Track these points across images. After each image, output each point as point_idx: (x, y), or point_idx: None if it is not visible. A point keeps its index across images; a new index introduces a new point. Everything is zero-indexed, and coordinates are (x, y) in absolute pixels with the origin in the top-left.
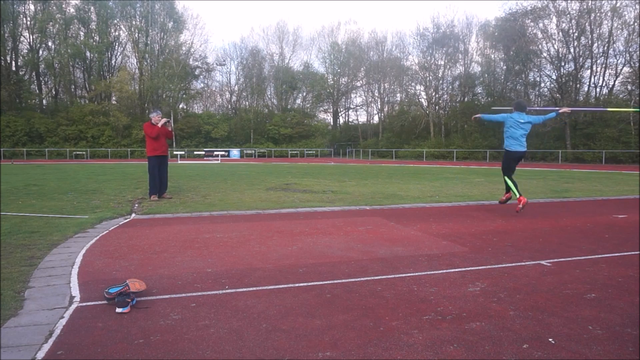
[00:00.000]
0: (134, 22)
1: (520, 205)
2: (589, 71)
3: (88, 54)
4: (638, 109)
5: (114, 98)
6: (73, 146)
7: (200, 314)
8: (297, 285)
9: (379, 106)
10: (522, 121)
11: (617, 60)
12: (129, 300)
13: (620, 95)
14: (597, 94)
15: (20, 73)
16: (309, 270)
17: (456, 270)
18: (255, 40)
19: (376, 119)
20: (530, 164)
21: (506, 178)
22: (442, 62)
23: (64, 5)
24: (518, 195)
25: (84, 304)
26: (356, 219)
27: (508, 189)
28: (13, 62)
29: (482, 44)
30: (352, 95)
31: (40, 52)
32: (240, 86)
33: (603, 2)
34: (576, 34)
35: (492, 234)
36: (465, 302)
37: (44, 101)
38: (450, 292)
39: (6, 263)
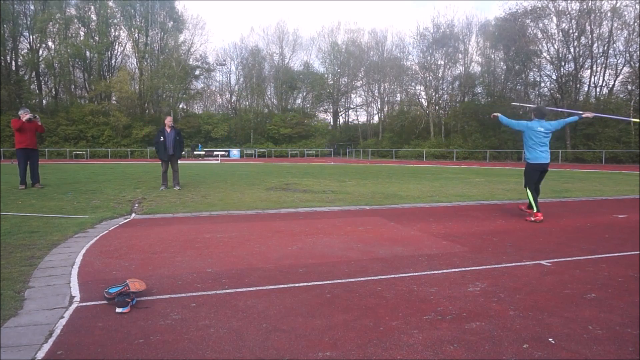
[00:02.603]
0: (134, 22)
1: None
2: (589, 71)
3: (88, 54)
4: None
5: (114, 98)
6: (73, 146)
7: (200, 314)
8: (297, 285)
9: (379, 106)
10: (543, 130)
11: (617, 60)
12: (129, 300)
13: (621, 95)
14: (597, 94)
15: (20, 73)
16: (309, 270)
17: (456, 270)
18: (255, 40)
19: (376, 119)
20: None
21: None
22: (442, 62)
23: (64, 5)
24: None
25: (84, 304)
26: (356, 219)
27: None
28: (13, 62)
29: (482, 44)
30: (352, 95)
31: (40, 52)
32: (240, 86)
33: (603, 2)
34: (576, 34)
35: (492, 234)
36: (465, 302)
37: (44, 101)
38: (450, 292)
39: (6, 263)
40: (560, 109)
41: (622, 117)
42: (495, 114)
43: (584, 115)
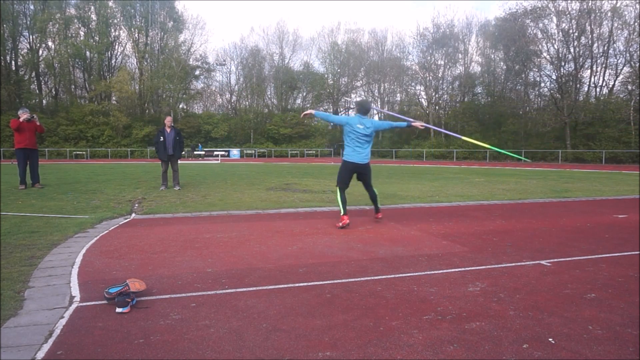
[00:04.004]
0: (134, 22)
1: (340, 224)
2: (589, 71)
3: (88, 54)
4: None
5: (114, 98)
6: (73, 146)
7: (200, 314)
8: (297, 285)
9: (379, 106)
10: (362, 127)
11: (617, 60)
12: (129, 300)
13: (621, 95)
14: (597, 94)
15: (20, 73)
16: (309, 270)
17: (456, 270)
18: (255, 40)
19: (376, 118)
20: (531, 164)
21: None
22: (442, 62)
23: (64, 5)
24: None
25: (84, 304)
26: (356, 219)
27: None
28: (13, 62)
29: (482, 44)
30: (352, 96)
31: (40, 52)
32: (240, 86)
33: (603, 2)
34: (576, 34)
35: (492, 234)
36: (465, 302)
37: (44, 101)
38: (450, 292)
39: (6, 263)
40: (390, 112)
41: (451, 133)
42: (306, 112)
43: (413, 124)
